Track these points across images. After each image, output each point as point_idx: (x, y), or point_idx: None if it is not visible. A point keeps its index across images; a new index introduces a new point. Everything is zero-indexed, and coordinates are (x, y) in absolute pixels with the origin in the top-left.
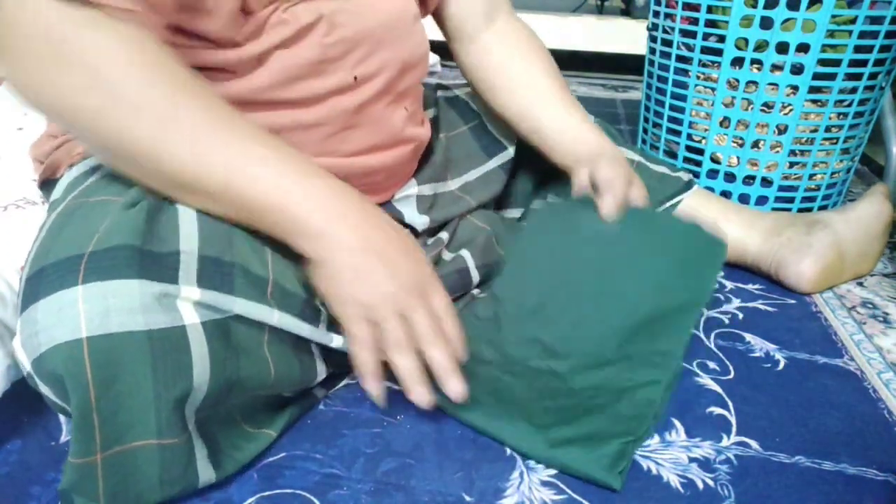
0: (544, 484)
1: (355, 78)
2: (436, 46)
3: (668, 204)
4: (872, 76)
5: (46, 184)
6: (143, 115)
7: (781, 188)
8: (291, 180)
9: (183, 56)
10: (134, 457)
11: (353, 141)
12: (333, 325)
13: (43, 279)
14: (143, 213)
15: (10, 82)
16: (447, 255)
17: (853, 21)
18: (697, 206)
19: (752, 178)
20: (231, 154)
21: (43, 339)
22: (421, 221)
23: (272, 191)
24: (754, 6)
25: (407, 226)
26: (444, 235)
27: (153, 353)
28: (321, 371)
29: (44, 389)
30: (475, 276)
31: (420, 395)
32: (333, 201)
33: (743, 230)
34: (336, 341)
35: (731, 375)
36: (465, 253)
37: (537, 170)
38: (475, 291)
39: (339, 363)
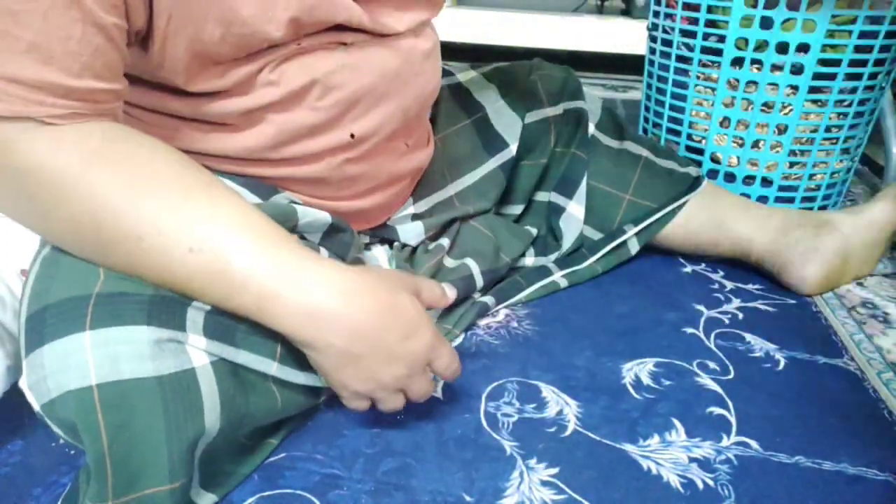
0: (544, 484)
1: (352, 136)
2: None
3: (674, 205)
4: (872, 76)
5: None
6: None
7: (781, 188)
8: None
9: (168, 107)
10: (146, 503)
11: (350, 188)
12: None
13: (47, 321)
14: None
15: None
16: (450, 262)
17: (853, 21)
18: (704, 202)
19: (752, 177)
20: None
21: (52, 385)
22: (415, 234)
23: (258, 302)
24: (754, 6)
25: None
26: (444, 242)
27: (164, 398)
28: (325, 393)
29: (55, 430)
30: (479, 282)
31: None
32: (313, 296)
33: (750, 228)
34: None
35: (731, 375)
36: (469, 261)
37: (539, 166)
38: (476, 295)
39: None
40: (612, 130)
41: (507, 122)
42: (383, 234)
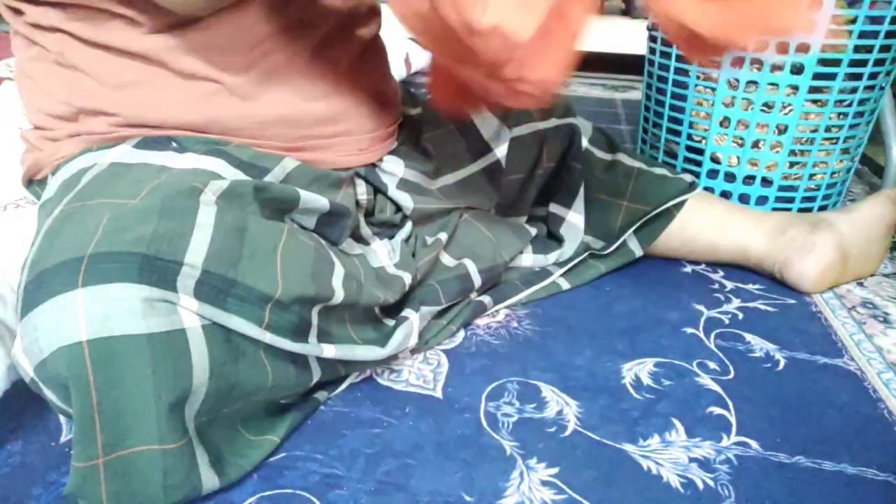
0: (544, 484)
1: None
2: None
3: (672, 203)
4: (872, 76)
5: (31, 184)
6: None
7: (781, 188)
8: None
9: None
10: (135, 461)
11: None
12: (324, 336)
13: (42, 284)
14: (154, 217)
15: None
16: (448, 261)
17: (853, 21)
18: (700, 207)
19: (752, 178)
20: None
21: (44, 344)
22: (406, 202)
23: None
24: None
25: (391, 200)
26: (442, 236)
27: (153, 356)
28: (316, 375)
29: (48, 394)
30: (477, 281)
31: None
32: None
33: (746, 231)
34: (327, 351)
35: (731, 375)
36: (467, 262)
37: (534, 178)
38: (473, 295)
39: (332, 371)
40: (604, 144)
41: (495, 131)
42: (374, 181)
